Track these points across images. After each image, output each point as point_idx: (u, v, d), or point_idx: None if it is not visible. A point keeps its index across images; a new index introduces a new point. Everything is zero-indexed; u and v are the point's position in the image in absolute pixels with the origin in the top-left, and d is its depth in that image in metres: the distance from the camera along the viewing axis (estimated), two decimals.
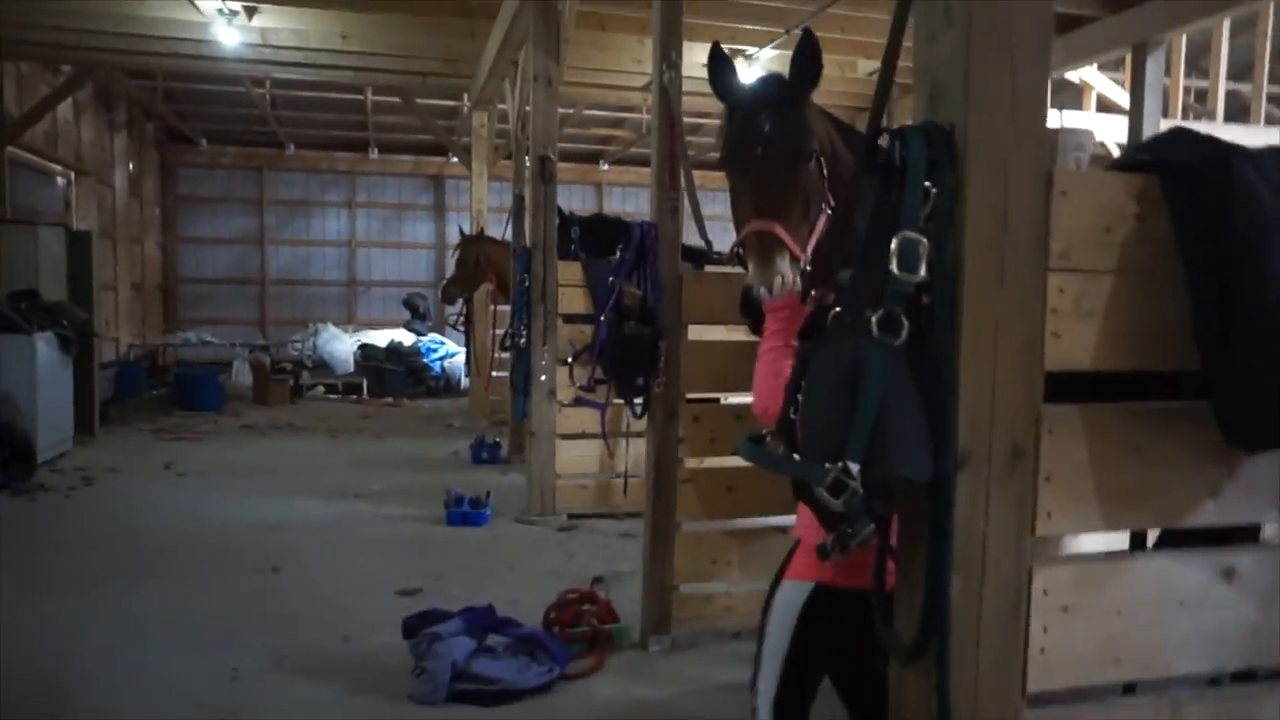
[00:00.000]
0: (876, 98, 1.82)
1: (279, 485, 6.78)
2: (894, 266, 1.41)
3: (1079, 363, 1.51)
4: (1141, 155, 1.62)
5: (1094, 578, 1.55)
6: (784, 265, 2.61)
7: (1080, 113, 9.59)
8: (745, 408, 3.97)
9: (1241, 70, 10.51)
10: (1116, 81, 9.66)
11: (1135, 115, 6.74)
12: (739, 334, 3.72)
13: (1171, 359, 1.56)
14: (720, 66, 2.84)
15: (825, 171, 2.83)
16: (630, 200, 16.08)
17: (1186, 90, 11.17)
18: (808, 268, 2.68)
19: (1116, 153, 9.13)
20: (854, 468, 1.39)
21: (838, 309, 1.66)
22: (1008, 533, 1.48)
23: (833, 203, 2.86)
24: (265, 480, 6.97)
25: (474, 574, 4.76)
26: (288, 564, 4.81)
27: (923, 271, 1.41)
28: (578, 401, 4.62)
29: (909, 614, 1.53)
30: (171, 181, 14.45)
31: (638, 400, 3.84)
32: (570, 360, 4.46)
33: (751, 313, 2.69)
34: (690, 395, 3.79)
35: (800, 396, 1.61)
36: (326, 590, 4.43)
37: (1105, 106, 9.65)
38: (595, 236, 6.88)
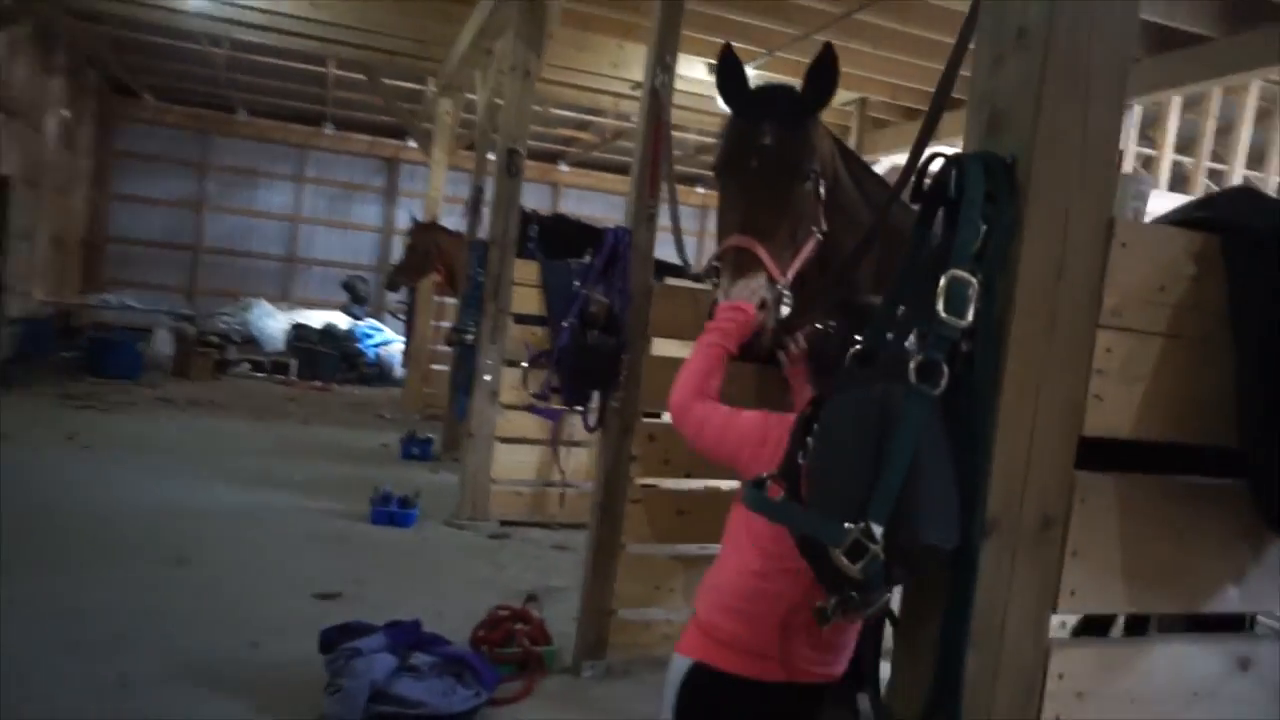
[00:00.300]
0: (926, 120, 1.68)
1: (193, 467, 6.38)
2: (941, 308, 1.27)
3: (1118, 430, 1.39)
4: (1200, 212, 1.52)
5: (1111, 662, 1.43)
6: (759, 286, 2.47)
7: None
8: None
9: (1186, 144, 10.87)
10: None
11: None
12: None
13: (1211, 433, 1.45)
14: (729, 69, 2.70)
15: (822, 194, 2.71)
16: (586, 204, 15.87)
17: (1135, 156, 11.57)
18: (786, 292, 2.55)
19: None
20: (877, 530, 1.24)
21: (859, 347, 1.51)
22: (1029, 609, 1.35)
23: (825, 228, 2.73)
24: (178, 460, 6.55)
25: (398, 579, 4.49)
26: (195, 556, 4.47)
27: (970, 316, 1.27)
28: (531, 409, 4.40)
29: (911, 690, 1.39)
30: (109, 134, 13.70)
31: (582, 408, 3.66)
32: (526, 365, 4.24)
33: None
34: (647, 412, 3.63)
35: (811, 440, 1.46)
36: (236, 588, 4.11)
37: None
38: (555, 238, 6.69)
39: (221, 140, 14.26)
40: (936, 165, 1.38)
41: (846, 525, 1.25)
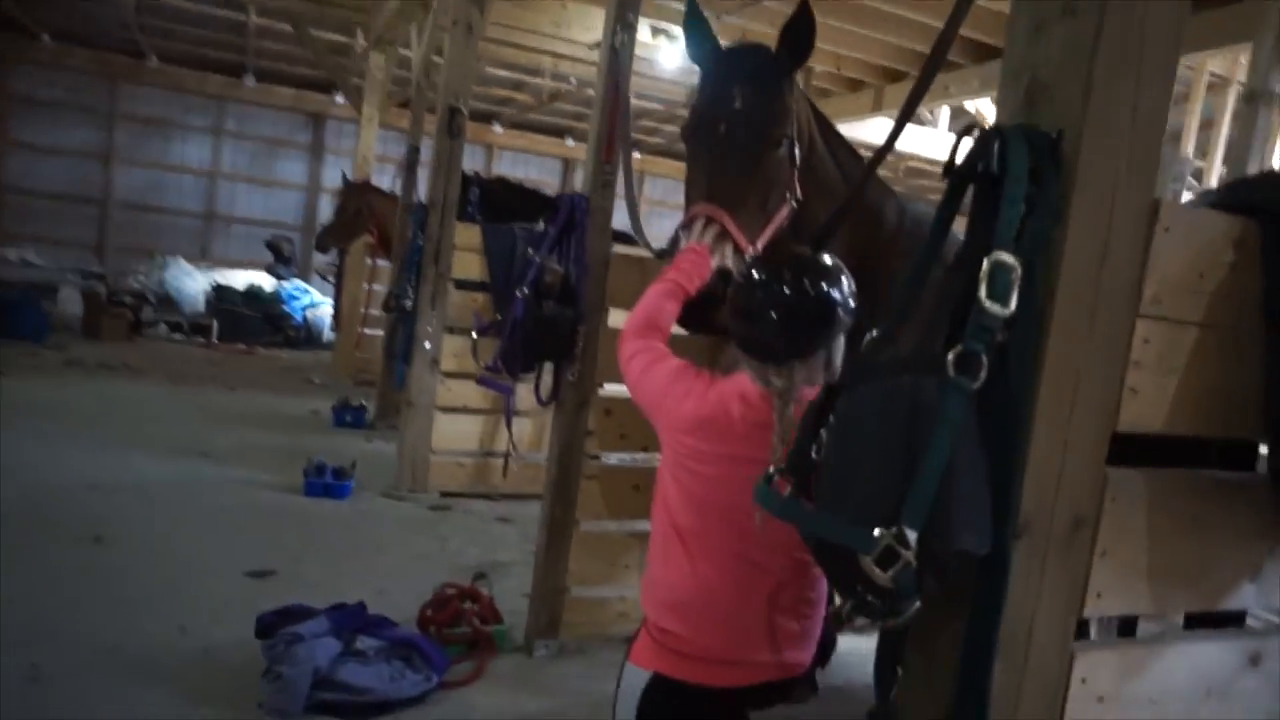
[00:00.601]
0: (917, 88, 1.58)
1: (107, 437, 6.00)
2: (984, 294, 1.17)
3: (1150, 424, 1.32)
4: (1235, 195, 1.45)
5: (1131, 664, 1.38)
6: (727, 256, 2.37)
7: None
8: None
9: None
10: None
11: None
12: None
13: (1237, 426, 1.39)
14: (696, 26, 2.56)
15: (797, 160, 2.60)
16: (521, 166, 15.50)
17: None
18: None
19: None
20: (911, 536, 1.14)
21: (874, 334, 1.41)
22: (1056, 614, 1.28)
23: (800, 196, 2.63)
24: (91, 430, 6.15)
25: (336, 555, 4.30)
26: (113, 534, 4.18)
27: (1013, 304, 1.18)
28: (481, 381, 4.22)
29: (928, 705, 1.31)
30: (3, 77, 12.70)
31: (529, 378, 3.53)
32: (475, 335, 4.06)
33: (689, 306, 2.43)
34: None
35: (826, 434, 1.35)
36: (160, 568, 3.85)
37: None
38: (495, 202, 6.47)
39: (130, 88, 13.35)
40: (970, 138, 1.28)
41: (876, 531, 1.15)
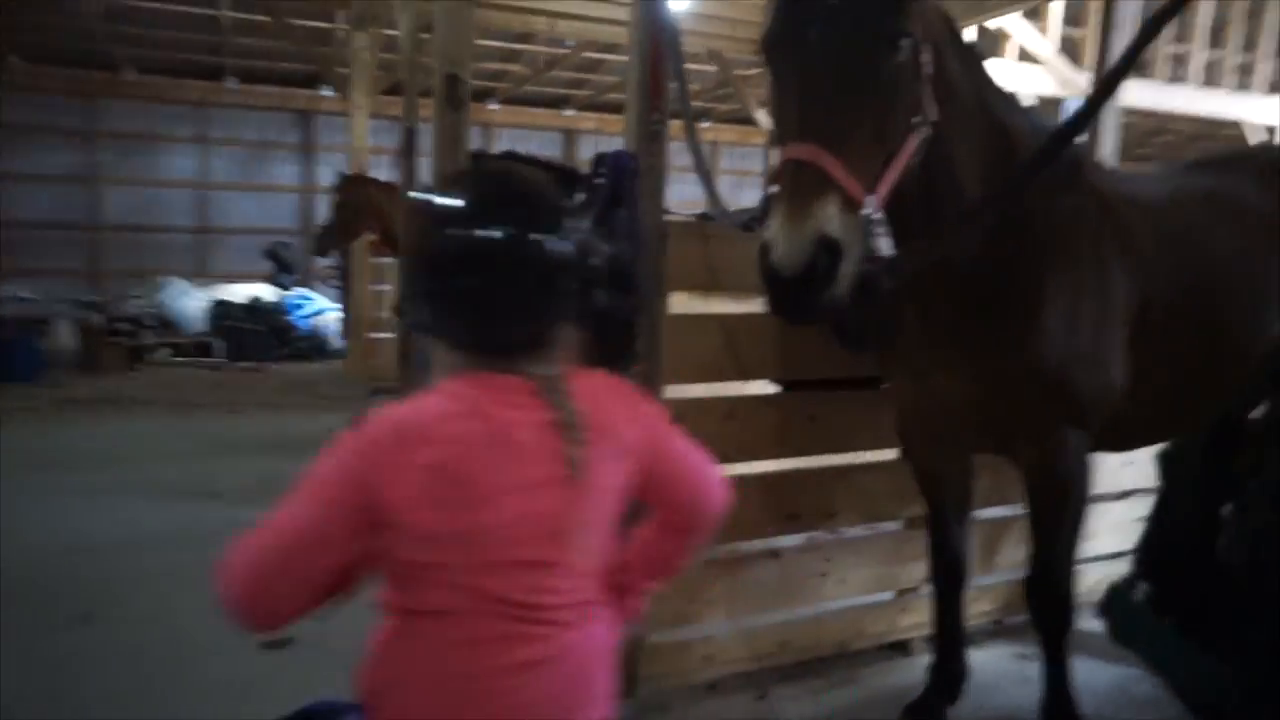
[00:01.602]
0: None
1: (105, 484, 5.39)
2: None
3: None
4: None
5: None
6: (830, 217, 1.69)
7: (1000, 60, 9.17)
8: (736, 403, 3.09)
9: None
10: (1038, 30, 9.28)
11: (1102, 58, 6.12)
12: (743, 303, 2.81)
13: None
14: None
15: (924, 68, 1.91)
16: (521, 143, 14.79)
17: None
18: (877, 216, 1.76)
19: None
20: None
21: None
22: None
23: (932, 116, 1.95)
24: (88, 477, 5.54)
25: (365, 612, 3.66)
26: (106, 607, 3.56)
27: None
28: None
29: None
30: None
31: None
32: None
33: (779, 290, 1.77)
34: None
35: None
36: (159, 648, 3.23)
37: (1026, 56, 9.26)
38: None
39: (110, 104, 12.74)
40: None
41: None
